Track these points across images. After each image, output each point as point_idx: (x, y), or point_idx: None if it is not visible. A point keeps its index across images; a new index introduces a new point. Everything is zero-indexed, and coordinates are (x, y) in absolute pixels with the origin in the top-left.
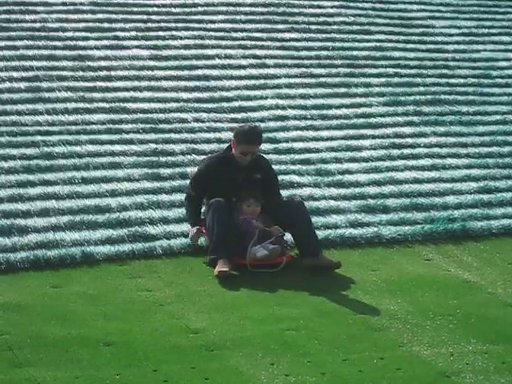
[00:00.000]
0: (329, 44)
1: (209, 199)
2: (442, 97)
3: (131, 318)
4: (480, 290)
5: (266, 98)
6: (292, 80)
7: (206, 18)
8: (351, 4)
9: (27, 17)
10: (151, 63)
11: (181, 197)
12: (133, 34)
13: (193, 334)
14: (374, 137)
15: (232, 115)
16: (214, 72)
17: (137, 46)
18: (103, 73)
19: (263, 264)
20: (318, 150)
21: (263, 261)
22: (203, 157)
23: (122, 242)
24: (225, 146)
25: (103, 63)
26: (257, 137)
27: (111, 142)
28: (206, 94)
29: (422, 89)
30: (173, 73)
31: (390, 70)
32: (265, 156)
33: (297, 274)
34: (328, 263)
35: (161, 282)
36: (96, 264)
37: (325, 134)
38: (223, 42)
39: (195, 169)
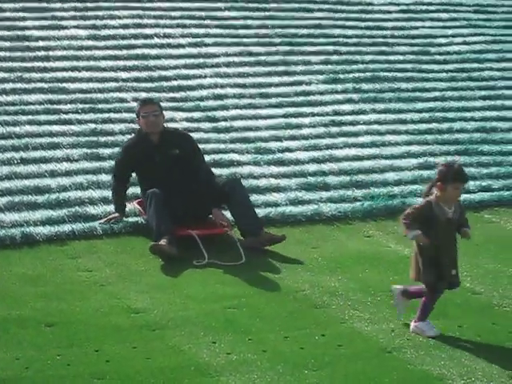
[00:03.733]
0: (268, 22)
1: (141, 184)
2: (381, 74)
3: (72, 298)
4: None
5: (205, 77)
6: (231, 59)
7: None
8: None
9: None
10: (90, 43)
11: None
12: (71, 13)
13: (134, 314)
14: (313, 114)
15: (171, 94)
16: (153, 51)
17: (75, 26)
18: (41, 53)
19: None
20: (257, 129)
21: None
22: None
23: (62, 223)
24: (165, 124)
25: (41, 43)
26: (150, 100)
27: (50, 123)
28: (144, 74)
29: (361, 66)
30: (111, 52)
31: (329, 48)
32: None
33: (237, 252)
34: (270, 238)
35: (101, 262)
36: (36, 245)
37: (264, 112)
38: (162, 21)
39: None
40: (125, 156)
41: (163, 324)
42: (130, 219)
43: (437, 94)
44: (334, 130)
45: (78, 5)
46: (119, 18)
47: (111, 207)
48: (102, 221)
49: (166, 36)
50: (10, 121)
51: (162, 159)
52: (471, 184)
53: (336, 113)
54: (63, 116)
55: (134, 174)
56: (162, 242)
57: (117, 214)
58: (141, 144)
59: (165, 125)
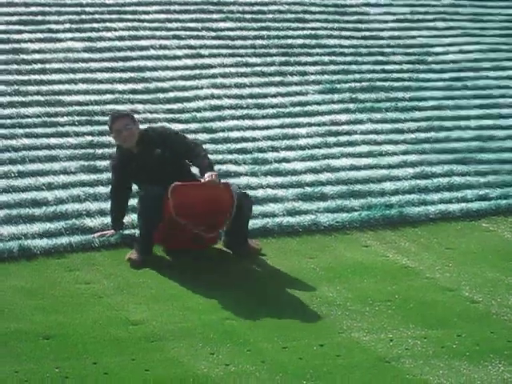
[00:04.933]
0: (264, 33)
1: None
2: (378, 83)
3: (70, 310)
4: (418, 275)
5: (202, 88)
6: (227, 69)
7: (139, 8)
8: None
9: None
10: (86, 55)
11: None
12: (67, 26)
13: (132, 326)
14: (310, 125)
15: (168, 106)
16: (149, 63)
17: (71, 39)
18: (38, 66)
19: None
20: (254, 139)
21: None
22: None
23: (60, 235)
24: None
25: (37, 56)
26: (120, 114)
27: (47, 135)
28: (141, 85)
29: (357, 76)
30: (107, 64)
31: (326, 58)
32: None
33: (236, 263)
34: (247, 252)
35: (99, 274)
36: (34, 258)
37: (261, 122)
38: (158, 33)
39: None
40: (117, 175)
41: (162, 335)
42: (127, 231)
43: (434, 102)
44: (331, 139)
45: (74, 17)
46: (115, 29)
47: (108, 219)
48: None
49: (162, 47)
50: (7, 134)
51: (150, 164)
52: (468, 193)
53: (333, 123)
54: (60, 128)
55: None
56: (133, 255)
57: (112, 231)
58: (125, 159)
59: (140, 127)
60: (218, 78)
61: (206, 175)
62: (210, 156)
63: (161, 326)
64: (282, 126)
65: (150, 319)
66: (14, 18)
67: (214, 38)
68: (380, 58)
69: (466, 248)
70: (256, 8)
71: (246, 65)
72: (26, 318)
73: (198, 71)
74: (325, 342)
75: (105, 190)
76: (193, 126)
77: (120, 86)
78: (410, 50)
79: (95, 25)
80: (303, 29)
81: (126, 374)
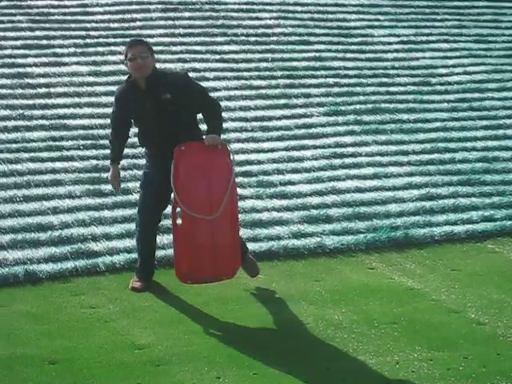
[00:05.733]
0: (268, 55)
1: (138, 136)
2: (382, 105)
3: (76, 335)
4: (424, 297)
5: None
6: (232, 92)
7: (144, 32)
8: (289, 15)
9: None
10: (91, 79)
11: (123, 212)
12: (72, 50)
13: (138, 350)
14: (315, 147)
15: None
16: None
17: (76, 63)
18: (42, 90)
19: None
20: (259, 162)
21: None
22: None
23: (65, 260)
24: None
25: (42, 80)
26: (137, 40)
27: (52, 159)
28: None
29: (361, 98)
30: (112, 88)
31: (330, 80)
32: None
33: (240, 286)
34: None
35: (104, 298)
36: (39, 282)
37: (266, 145)
38: (162, 56)
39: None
40: (116, 108)
41: (167, 359)
42: (133, 255)
43: (438, 124)
44: (336, 162)
45: (79, 41)
46: (120, 53)
47: (114, 243)
48: (111, 183)
49: None
50: (12, 158)
51: (152, 106)
52: (474, 214)
53: (338, 145)
54: (65, 153)
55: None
56: (135, 284)
57: (111, 173)
58: (130, 91)
59: (157, 66)
60: (222, 101)
61: (205, 138)
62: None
63: (166, 349)
64: (286, 149)
65: (155, 343)
66: (19, 42)
67: (218, 61)
68: (384, 79)
69: (471, 270)
70: (260, 31)
71: (251, 87)
72: (32, 342)
73: None
74: (331, 365)
75: (110, 214)
76: None
77: None
78: (415, 72)
79: (100, 48)
80: (307, 51)
81: None
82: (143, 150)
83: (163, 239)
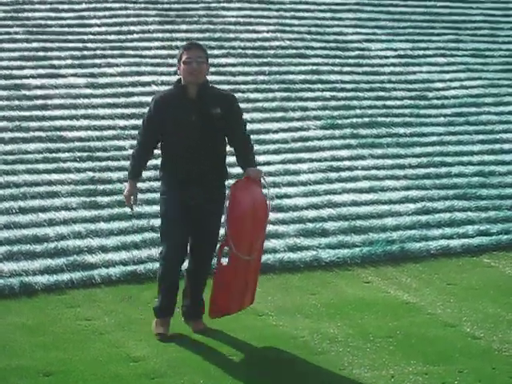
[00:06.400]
0: (265, 68)
1: (163, 150)
2: (379, 119)
3: (71, 347)
4: (419, 310)
5: None
6: None
7: (141, 44)
8: (287, 28)
9: None
10: (87, 91)
11: (119, 225)
12: (68, 62)
13: (133, 363)
14: (311, 160)
15: None
16: (151, 99)
17: (73, 74)
18: (39, 101)
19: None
20: None
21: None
22: (141, 184)
23: (61, 272)
24: None
25: (39, 92)
26: (195, 44)
27: (48, 171)
28: None
29: (358, 111)
30: (109, 100)
31: (327, 94)
32: None
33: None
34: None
35: (100, 310)
36: (35, 294)
37: (262, 158)
38: (159, 69)
39: None
40: (154, 111)
41: (162, 372)
42: (129, 267)
43: (435, 138)
44: (332, 175)
45: (76, 53)
46: (117, 65)
47: (109, 255)
48: (125, 199)
49: (163, 83)
50: (8, 170)
51: (198, 118)
52: (469, 228)
53: (334, 158)
54: (61, 164)
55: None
56: (159, 330)
57: (128, 188)
58: (176, 96)
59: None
60: None
61: (250, 171)
62: None
63: (161, 362)
64: (283, 162)
65: (150, 356)
66: (16, 54)
67: (215, 73)
68: (381, 93)
69: (467, 284)
70: (257, 44)
71: (248, 100)
72: (27, 354)
73: None
74: (326, 379)
75: (106, 226)
76: None
77: (122, 122)
78: (411, 86)
79: (97, 60)
80: (304, 64)
81: None
82: (160, 174)
83: (152, 252)
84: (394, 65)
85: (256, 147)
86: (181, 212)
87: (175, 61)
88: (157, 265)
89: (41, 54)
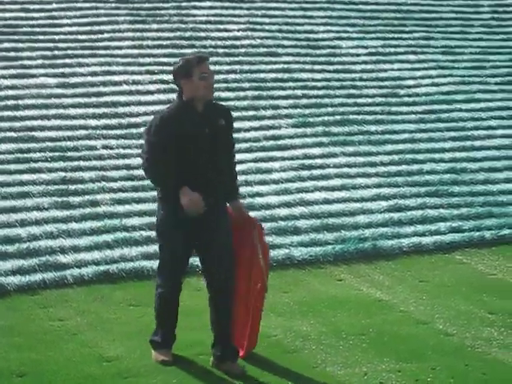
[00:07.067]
0: (236, 67)
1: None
2: (351, 117)
3: (44, 348)
4: (392, 308)
5: None
6: None
7: (112, 44)
8: (258, 27)
9: None
10: (59, 91)
11: (91, 224)
12: (39, 62)
13: (106, 363)
14: (283, 159)
15: (141, 141)
16: (122, 98)
17: (44, 74)
18: (10, 102)
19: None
20: None
21: None
22: (113, 184)
23: (33, 272)
24: (135, 172)
25: (10, 92)
26: (206, 57)
27: (20, 172)
28: (114, 121)
29: (330, 109)
30: (80, 100)
31: (298, 92)
32: None
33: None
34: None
35: (73, 310)
36: (7, 295)
37: None
38: (130, 68)
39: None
40: (165, 131)
41: (135, 372)
42: (101, 267)
43: (406, 135)
44: (304, 173)
45: (47, 53)
46: (88, 65)
47: (82, 255)
48: (189, 207)
49: (134, 83)
50: None
51: (211, 131)
52: (442, 225)
53: (306, 156)
54: (33, 165)
55: None
56: (163, 357)
57: (187, 193)
58: (184, 112)
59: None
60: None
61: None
62: None
63: (135, 362)
64: (255, 160)
65: (123, 355)
66: None
67: None
68: (352, 91)
69: (439, 281)
70: (229, 42)
71: (219, 99)
72: (0, 355)
73: None
74: (299, 377)
75: (78, 226)
76: None
77: (93, 122)
78: (383, 83)
79: (68, 60)
80: (276, 63)
81: None
82: (159, 194)
83: (131, 251)
84: (365, 62)
85: None
86: (184, 246)
87: (147, 60)
88: (129, 264)
89: (12, 54)
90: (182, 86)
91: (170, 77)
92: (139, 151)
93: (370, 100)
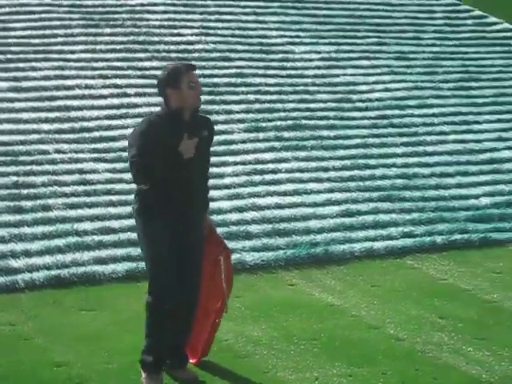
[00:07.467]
0: None
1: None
2: (303, 122)
3: None
4: (344, 313)
5: (127, 127)
6: (153, 108)
7: (65, 48)
8: (211, 31)
9: None
10: (11, 95)
11: (43, 229)
12: None
13: (57, 368)
14: (235, 163)
15: (93, 145)
16: (75, 102)
17: None
18: None
19: None
20: None
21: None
22: (65, 188)
23: None
24: (88, 176)
25: None
26: (194, 65)
27: None
28: (66, 125)
29: (282, 114)
30: (33, 104)
31: (251, 97)
32: None
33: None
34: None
35: (24, 315)
36: None
37: None
38: (83, 72)
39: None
40: (152, 129)
41: (87, 377)
42: (53, 272)
43: (359, 141)
44: (256, 178)
45: None
46: (40, 69)
47: (33, 260)
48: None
49: (87, 87)
50: None
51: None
52: (393, 230)
53: (258, 161)
54: None
55: None
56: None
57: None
58: (169, 122)
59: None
60: (143, 117)
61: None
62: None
63: (86, 367)
64: None
65: (75, 360)
66: None
67: (139, 77)
68: (305, 96)
69: (390, 285)
70: (182, 47)
71: None
72: None
73: (123, 110)
74: (250, 382)
75: (30, 230)
76: (118, 165)
77: (46, 126)
78: (336, 88)
79: (21, 64)
80: (228, 67)
81: None
82: (143, 205)
83: (83, 256)
84: (318, 67)
85: None
86: (171, 256)
87: (100, 64)
88: (81, 269)
89: None
90: (169, 95)
91: (124, 81)
92: (91, 155)
93: (322, 105)
